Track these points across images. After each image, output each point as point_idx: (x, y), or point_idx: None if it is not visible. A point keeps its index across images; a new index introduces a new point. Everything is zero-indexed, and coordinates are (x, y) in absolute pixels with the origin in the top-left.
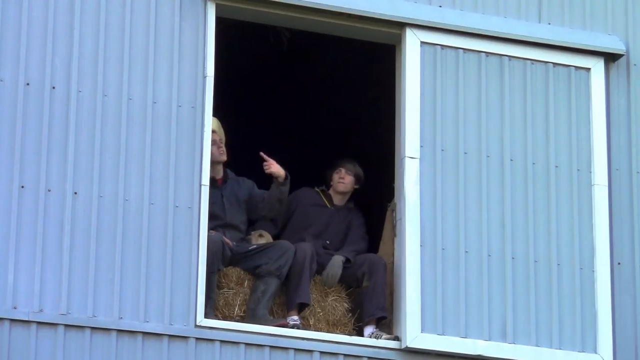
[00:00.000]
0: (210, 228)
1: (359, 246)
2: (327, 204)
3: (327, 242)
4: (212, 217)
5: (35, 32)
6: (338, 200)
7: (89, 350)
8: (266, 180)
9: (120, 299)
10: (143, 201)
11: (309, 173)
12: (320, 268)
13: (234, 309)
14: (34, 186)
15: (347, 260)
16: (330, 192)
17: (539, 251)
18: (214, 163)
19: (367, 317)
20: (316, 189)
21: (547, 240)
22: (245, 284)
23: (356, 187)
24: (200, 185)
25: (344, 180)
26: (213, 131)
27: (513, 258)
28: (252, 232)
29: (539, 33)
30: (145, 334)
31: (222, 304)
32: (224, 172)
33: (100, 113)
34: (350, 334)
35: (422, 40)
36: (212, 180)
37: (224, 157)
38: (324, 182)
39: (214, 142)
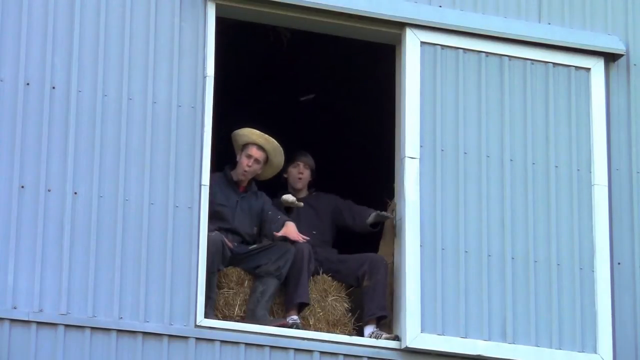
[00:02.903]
0: (214, 229)
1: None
2: None
3: (314, 232)
4: (219, 218)
5: (35, 32)
6: (298, 194)
7: (89, 350)
8: (271, 189)
9: (120, 299)
10: (143, 201)
11: None
12: (320, 266)
13: (234, 309)
14: (34, 186)
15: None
16: (289, 189)
17: (539, 251)
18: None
19: (368, 316)
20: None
21: (547, 240)
22: (245, 284)
23: (310, 179)
24: (200, 185)
25: (302, 175)
26: (261, 148)
27: (513, 258)
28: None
29: (539, 33)
30: (145, 334)
31: (222, 304)
32: (249, 182)
33: (100, 113)
34: (350, 334)
35: (422, 40)
36: (235, 185)
37: (242, 177)
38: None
39: (249, 157)
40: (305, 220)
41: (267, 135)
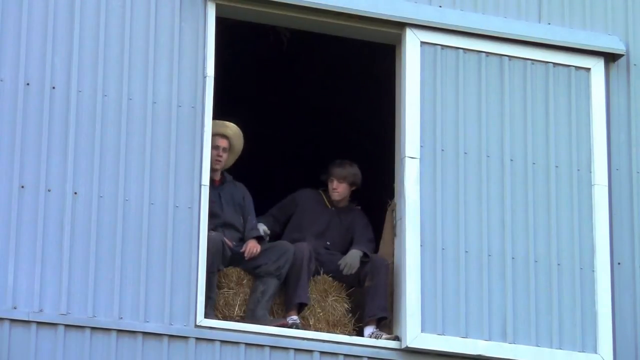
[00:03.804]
0: (209, 228)
1: (369, 247)
2: (328, 205)
3: (328, 243)
4: (210, 215)
5: (35, 32)
6: (338, 202)
7: (89, 350)
8: (263, 185)
9: (120, 299)
10: (143, 201)
11: (309, 173)
12: (321, 267)
13: (234, 309)
14: (34, 186)
15: (365, 255)
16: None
17: (539, 251)
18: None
19: (368, 316)
20: (320, 190)
21: (547, 240)
22: (245, 283)
23: (353, 188)
24: (200, 185)
25: (337, 190)
26: (224, 136)
27: (513, 258)
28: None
29: (539, 33)
30: (145, 334)
31: (222, 304)
32: (222, 174)
33: (100, 113)
34: (350, 334)
35: (422, 40)
36: (210, 181)
37: (218, 167)
38: (323, 183)
39: (217, 147)
40: (330, 230)
41: (226, 122)
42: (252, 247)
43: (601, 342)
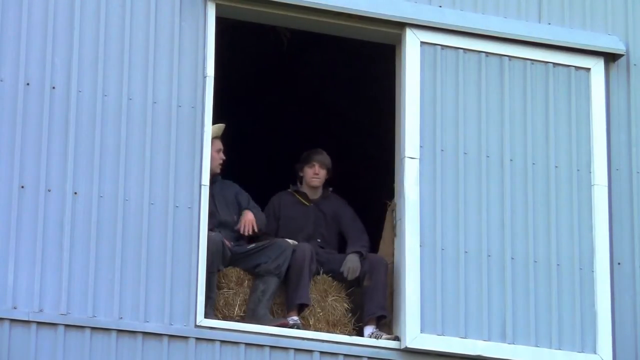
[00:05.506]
0: (210, 228)
1: (363, 242)
2: (305, 202)
3: (319, 240)
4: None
5: (35, 32)
6: (313, 194)
7: (89, 350)
8: (262, 185)
9: (120, 299)
10: (143, 201)
11: None
12: (321, 267)
13: (234, 309)
14: (34, 186)
15: (361, 255)
16: (303, 187)
17: (539, 251)
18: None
19: (368, 316)
20: (289, 190)
21: (547, 240)
22: (245, 284)
23: (327, 178)
24: (200, 185)
25: (318, 175)
26: (217, 137)
27: (513, 258)
28: None
29: (539, 33)
30: (145, 334)
31: (222, 304)
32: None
33: (100, 113)
34: (350, 334)
35: (422, 40)
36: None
37: (219, 171)
38: (294, 177)
39: (219, 150)
40: (314, 225)
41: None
42: (248, 220)
43: (601, 343)
